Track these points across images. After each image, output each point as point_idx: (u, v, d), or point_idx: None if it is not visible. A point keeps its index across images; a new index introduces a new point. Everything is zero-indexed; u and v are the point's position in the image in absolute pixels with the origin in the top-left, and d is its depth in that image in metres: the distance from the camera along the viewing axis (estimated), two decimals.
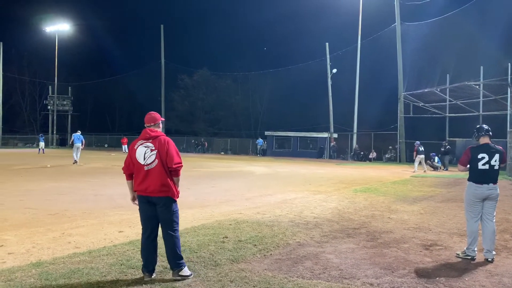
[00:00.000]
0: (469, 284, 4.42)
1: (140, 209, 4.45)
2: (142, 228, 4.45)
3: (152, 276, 4.32)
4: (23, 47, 58.99)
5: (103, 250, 5.26)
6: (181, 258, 4.37)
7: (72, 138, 21.73)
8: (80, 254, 5.05)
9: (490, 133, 5.51)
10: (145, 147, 4.35)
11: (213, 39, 67.13)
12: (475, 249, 5.39)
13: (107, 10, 77.06)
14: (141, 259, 4.44)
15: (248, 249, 5.47)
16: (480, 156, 5.39)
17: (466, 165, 5.54)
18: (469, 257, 5.35)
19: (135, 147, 4.40)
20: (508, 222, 7.80)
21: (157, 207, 4.34)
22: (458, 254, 5.48)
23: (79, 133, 21.86)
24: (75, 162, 20.83)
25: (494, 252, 5.37)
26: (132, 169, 4.44)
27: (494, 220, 5.51)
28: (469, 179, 5.54)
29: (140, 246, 4.50)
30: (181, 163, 4.40)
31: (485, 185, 5.37)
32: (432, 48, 31.94)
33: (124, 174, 4.54)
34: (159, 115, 4.59)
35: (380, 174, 19.52)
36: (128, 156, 4.47)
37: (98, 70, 60.45)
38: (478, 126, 5.70)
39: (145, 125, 4.52)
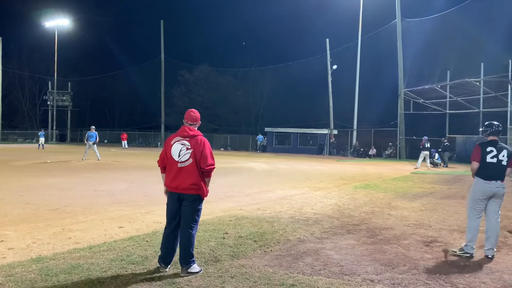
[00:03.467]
0: (469, 281, 4.42)
1: (167, 204, 4.52)
2: (167, 222, 4.52)
3: (167, 269, 4.38)
4: (23, 42, 59.01)
5: (103, 245, 5.27)
6: (192, 256, 4.38)
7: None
8: (80, 250, 5.05)
9: (500, 129, 5.49)
10: (182, 144, 4.39)
11: (214, 35, 67.14)
12: (474, 246, 5.32)
13: (107, 5, 76.95)
14: (160, 251, 4.52)
15: (249, 245, 5.48)
16: (488, 149, 5.34)
17: (479, 160, 5.37)
18: (467, 255, 5.26)
19: (172, 143, 4.42)
20: (508, 219, 7.80)
21: (184, 203, 4.39)
22: (455, 251, 5.38)
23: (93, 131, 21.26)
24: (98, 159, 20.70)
25: (494, 249, 5.34)
26: (166, 163, 4.48)
27: (499, 219, 5.47)
28: (476, 174, 5.41)
29: (161, 237, 4.58)
30: (213, 164, 4.47)
31: (493, 182, 5.29)
32: (433, 44, 31.90)
33: (159, 167, 4.60)
34: (199, 115, 4.58)
35: (380, 170, 19.53)
36: (164, 150, 4.50)
37: (98, 66, 60.24)
38: (488, 122, 5.62)
39: (184, 122, 4.52)
